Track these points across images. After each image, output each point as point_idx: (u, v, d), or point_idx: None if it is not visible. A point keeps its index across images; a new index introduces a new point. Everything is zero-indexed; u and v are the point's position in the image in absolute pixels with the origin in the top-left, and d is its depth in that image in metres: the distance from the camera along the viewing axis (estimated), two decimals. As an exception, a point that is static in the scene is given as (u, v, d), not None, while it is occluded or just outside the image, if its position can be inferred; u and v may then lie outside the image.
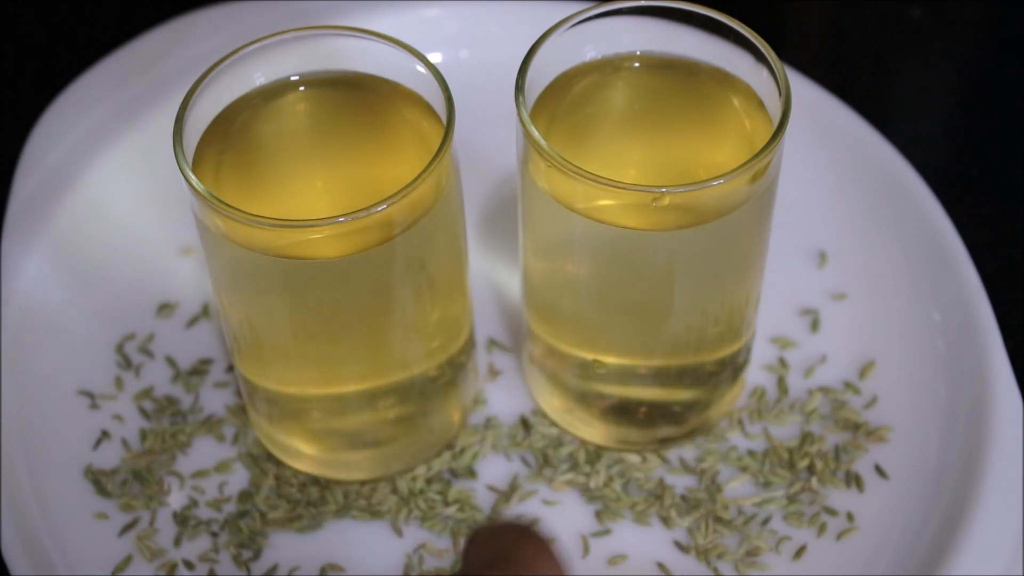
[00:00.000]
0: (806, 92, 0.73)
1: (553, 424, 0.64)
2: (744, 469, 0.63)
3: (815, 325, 0.67)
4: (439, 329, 0.59)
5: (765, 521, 0.61)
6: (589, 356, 0.60)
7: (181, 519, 0.62)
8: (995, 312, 0.65)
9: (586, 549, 0.61)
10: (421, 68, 0.55)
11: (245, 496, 0.63)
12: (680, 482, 0.62)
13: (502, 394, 0.66)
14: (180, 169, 0.52)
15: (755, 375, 0.66)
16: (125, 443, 0.64)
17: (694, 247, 0.55)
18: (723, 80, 0.57)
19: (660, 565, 0.60)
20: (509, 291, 0.69)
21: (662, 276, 0.56)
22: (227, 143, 0.56)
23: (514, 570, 0.44)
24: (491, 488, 0.63)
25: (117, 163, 0.72)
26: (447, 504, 0.62)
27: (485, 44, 0.76)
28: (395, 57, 0.56)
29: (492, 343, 0.67)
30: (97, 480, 0.63)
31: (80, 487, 0.63)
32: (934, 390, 0.64)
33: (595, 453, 0.63)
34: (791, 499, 0.62)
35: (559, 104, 0.57)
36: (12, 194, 0.70)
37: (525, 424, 0.64)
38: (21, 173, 0.71)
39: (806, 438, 0.63)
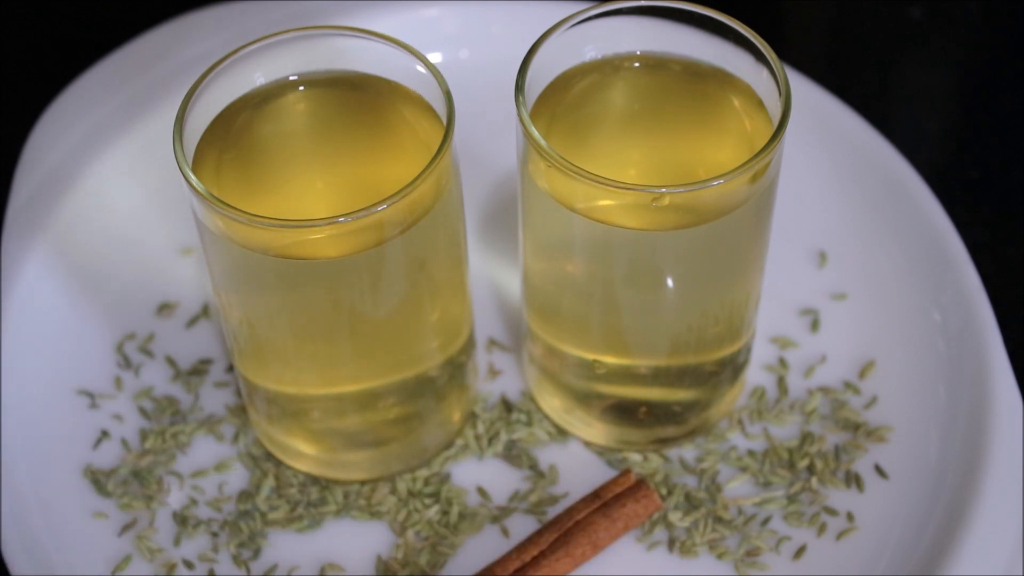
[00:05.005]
0: (806, 92, 0.73)
1: (552, 424, 0.64)
2: (744, 469, 0.63)
3: (815, 325, 0.67)
4: (439, 329, 0.59)
5: (765, 521, 0.61)
6: (589, 356, 0.60)
7: (181, 519, 0.62)
8: (995, 312, 0.65)
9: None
10: (421, 68, 0.55)
11: (245, 496, 0.63)
12: (680, 482, 0.62)
13: (502, 394, 0.66)
14: (180, 169, 0.52)
15: (755, 375, 0.66)
16: (125, 443, 0.64)
17: (694, 247, 0.55)
18: (723, 80, 0.57)
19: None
20: (509, 291, 0.69)
21: (662, 276, 0.56)
22: (227, 143, 0.56)
23: None
24: (489, 489, 0.63)
25: (117, 163, 0.72)
26: (447, 504, 0.62)
27: (485, 44, 0.76)
28: (395, 57, 0.56)
29: (492, 343, 0.67)
30: (97, 480, 0.63)
31: (79, 487, 0.63)
32: (934, 390, 0.64)
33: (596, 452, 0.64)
34: (791, 499, 0.62)
35: (559, 104, 0.57)
36: (12, 194, 0.70)
37: (528, 421, 0.64)
38: (21, 173, 0.71)
39: (806, 438, 0.63)
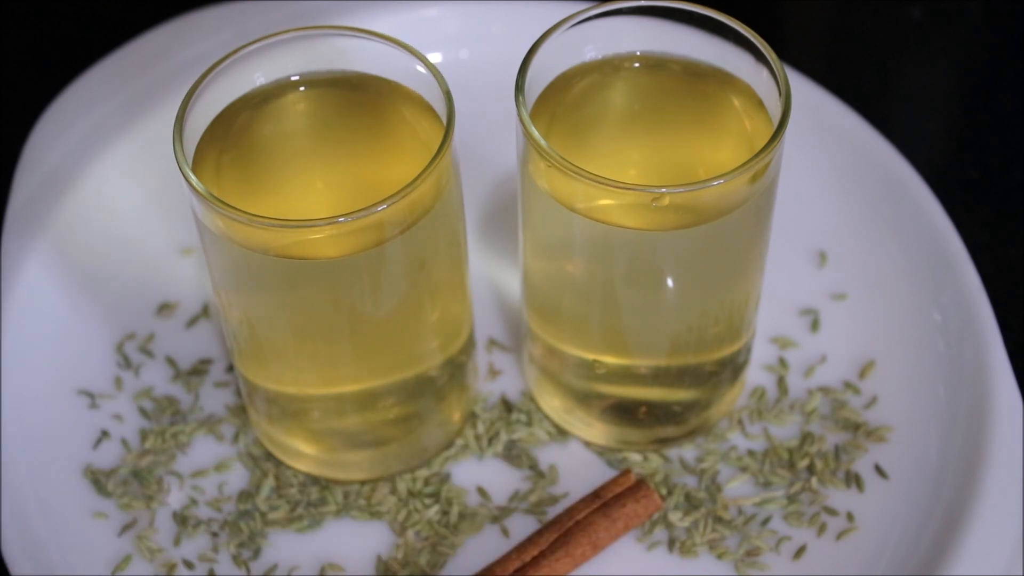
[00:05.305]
0: (806, 92, 0.73)
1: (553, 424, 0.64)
2: (744, 469, 0.63)
3: (815, 325, 0.67)
4: (439, 329, 0.59)
5: (765, 521, 0.61)
6: (589, 356, 0.60)
7: (181, 519, 0.62)
8: (995, 312, 0.65)
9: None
10: (421, 68, 0.55)
11: (245, 496, 0.63)
12: (680, 482, 0.62)
13: (502, 394, 0.66)
14: (180, 169, 0.52)
15: (755, 375, 0.66)
16: (125, 443, 0.64)
17: (694, 247, 0.55)
18: (723, 80, 0.57)
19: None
20: (509, 291, 0.69)
21: (662, 276, 0.56)
22: (227, 143, 0.56)
23: None
24: (489, 489, 0.63)
25: (117, 163, 0.72)
26: (447, 504, 0.62)
27: (485, 44, 0.76)
28: (395, 57, 0.56)
29: (492, 343, 0.67)
30: (97, 480, 0.63)
31: (79, 487, 0.63)
32: (934, 390, 0.64)
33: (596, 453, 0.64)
34: (791, 499, 0.62)
35: (559, 104, 0.57)
36: (12, 194, 0.70)
37: (528, 422, 0.64)
38: (21, 173, 0.71)
39: (806, 438, 0.63)
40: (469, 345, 0.62)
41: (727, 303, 0.58)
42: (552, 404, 0.64)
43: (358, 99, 0.57)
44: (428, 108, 0.56)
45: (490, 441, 0.64)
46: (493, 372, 0.67)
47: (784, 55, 0.59)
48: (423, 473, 0.63)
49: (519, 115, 0.54)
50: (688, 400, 0.62)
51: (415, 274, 0.55)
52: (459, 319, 0.60)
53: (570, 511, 0.60)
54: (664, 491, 0.62)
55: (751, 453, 0.63)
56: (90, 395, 0.66)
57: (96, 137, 0.72)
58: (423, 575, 0.60)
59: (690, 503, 0.62)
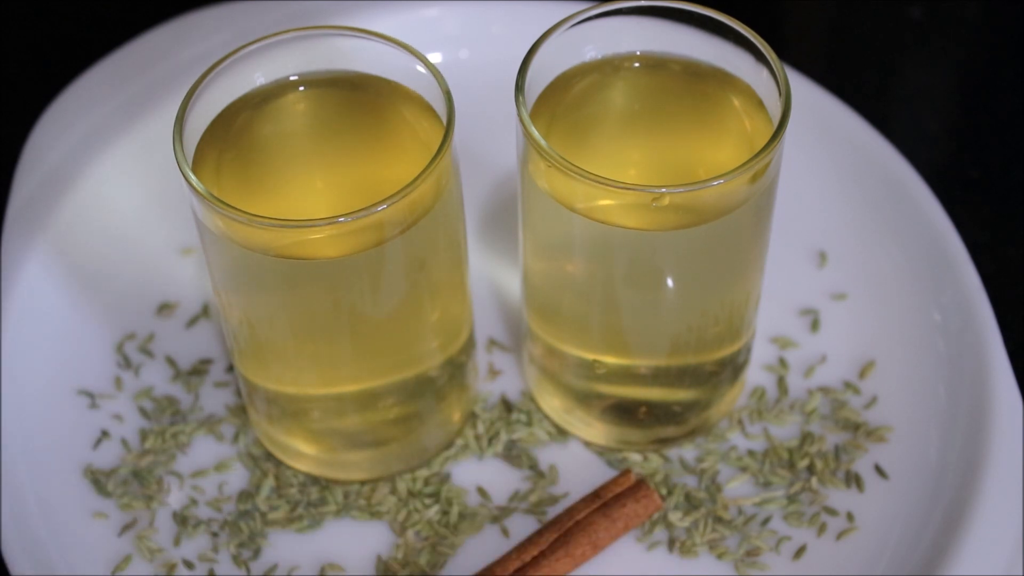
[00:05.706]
0: (806, 92, 0.73)
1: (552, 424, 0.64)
2: (744, 469, 0.63)
3: (815, 325, 0.67)
4: (439, 329, 0.59)
5: (765, 521, 0.61)
6: (589, 356, 0.60)
7: (181, 519, 0.62)
8: (995, 312, 0.65)
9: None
10: (421, 68, 0.55)
11: (245, 496, 0.63)
12: (680, 482, 0.62)
13: (502, 394, 0.66)
14: (180, 169, 0.52)
15: (755, 375, 0.66)
16: (125, 443, 0.64)
17: (694, 247, 0.55)
18: (723, 80, 0.57)
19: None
20: (509, 291, 0.69)
21: (662, 276, 0.56)
22: (227, 143, 0.56)
23: None
24: (489, 489, 0.63)
25: (117, 163, 0.72)
26: (447, 504, 0.62)
27: (485, 44, 0.76)
28: (395, 57, 0.56)
29: (492, 343, 0.67)
30: (96, 480, 0.63)
31: (79, 487, 0.63)
32: (934, 390, 0.64)
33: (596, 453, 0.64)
34: (791, 499, 0.62)
35: (559, 104, 0.57)
36: (12, 194, 0.70)
37: (528, 422, 0.64)
38: (21, 173, 0.71)
39: (806, 438, 0.63)
40: (469, 345, 0.62)
41: (727, 303, 0.58)
42: (552, 404, 0.64)
43: (358, 99, 0.57)
44: (428, 108, 0.56)
45: (490, 441, 0.64)
46: (493, 372, 0.67)
47: (784, 55, 0.59)
48: (423, 473, 0.63)
49: (519, 115, 0.54)
50: (688, 400, 0.62)
51: (415, 274, 0.55)
52: (459, 319, 0.60)
53: (570, 511, 0.60)
54: (664, 491, 0.62)
55: (751, 453, 0.63)
56: (90, 395, 0.66)
57: (96, 137, 0.72)
58: (423, 575, 0.60)
59: (690, 503, 0.62)
